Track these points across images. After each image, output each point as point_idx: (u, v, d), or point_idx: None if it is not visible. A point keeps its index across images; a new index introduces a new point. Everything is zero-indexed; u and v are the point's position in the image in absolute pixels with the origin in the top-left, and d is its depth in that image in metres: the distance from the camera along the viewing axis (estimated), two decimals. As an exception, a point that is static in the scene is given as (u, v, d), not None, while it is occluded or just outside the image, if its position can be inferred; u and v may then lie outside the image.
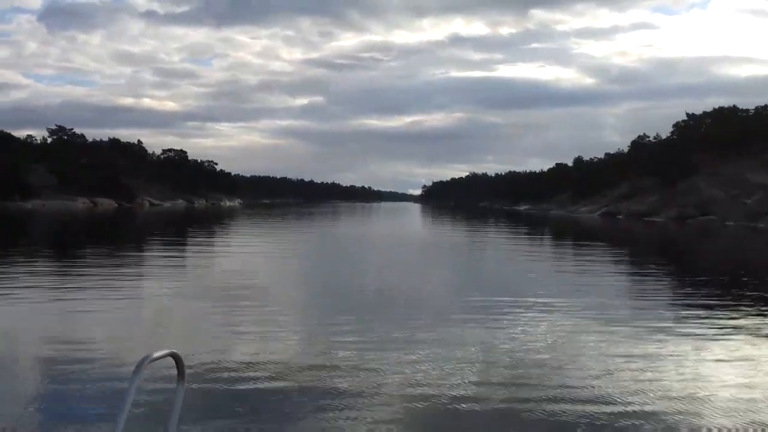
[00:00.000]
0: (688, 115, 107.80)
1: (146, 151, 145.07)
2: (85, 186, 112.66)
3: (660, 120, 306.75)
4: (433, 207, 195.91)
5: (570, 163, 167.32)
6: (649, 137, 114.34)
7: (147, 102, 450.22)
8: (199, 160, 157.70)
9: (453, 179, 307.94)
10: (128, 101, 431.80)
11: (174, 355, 2.75)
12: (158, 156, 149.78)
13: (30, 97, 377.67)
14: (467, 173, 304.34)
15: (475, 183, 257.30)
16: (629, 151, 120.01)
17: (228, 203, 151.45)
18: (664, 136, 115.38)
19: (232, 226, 59.15)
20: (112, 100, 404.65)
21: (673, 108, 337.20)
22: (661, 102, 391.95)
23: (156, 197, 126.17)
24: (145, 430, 5.89)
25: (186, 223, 64.15)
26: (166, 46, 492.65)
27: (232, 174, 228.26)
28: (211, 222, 65.49)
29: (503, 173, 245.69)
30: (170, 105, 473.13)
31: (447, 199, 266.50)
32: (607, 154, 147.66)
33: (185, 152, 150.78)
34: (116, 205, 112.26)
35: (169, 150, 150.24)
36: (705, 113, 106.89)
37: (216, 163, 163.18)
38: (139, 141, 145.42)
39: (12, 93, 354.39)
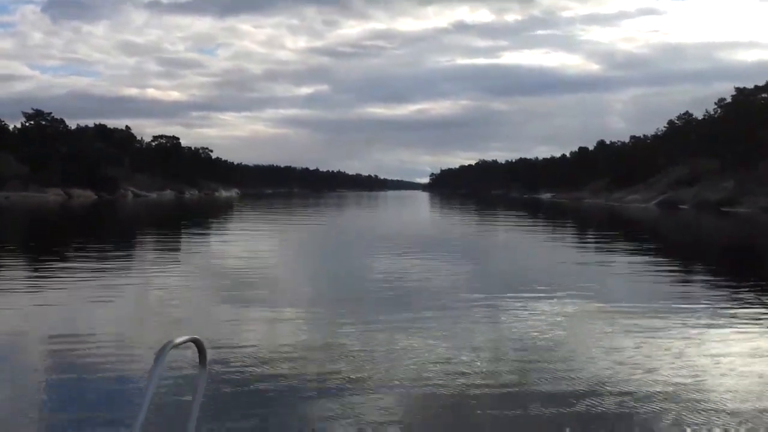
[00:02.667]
0: (737, 89, 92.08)
1: (135, 137, 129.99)
2: (61, 176, 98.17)
3: (666, 105, 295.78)
4: (442, 196, 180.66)
5: (572, 150, 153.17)
6: (693, 115, 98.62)
7: (151, 92, 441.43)
8: (193, 147, 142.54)
9: (462, 167, 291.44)
10: (133, 91, 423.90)
11: (196, 341, 2.67)
12: (148, 143, 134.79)
13: (35, 89, 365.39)
14: (474, 161, 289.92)
15: (485, 170, 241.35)
16: (667, 132, 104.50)
17: (224, 193, 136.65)
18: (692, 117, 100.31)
19: (209, 222, 44.57)
20: (116, 90, 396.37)
21: (679, 94, 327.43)
22: (668, 87, 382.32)
23: (142, 187, 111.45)
24: (167, 416, 5.74)
25: (159, 217, 50.14)
26: (171, 36, 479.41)
27: (234, 163, 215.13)
28: (189, 216, 52.04)
29: (513, 160, 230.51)
30: (175, 95, 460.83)
31: (455, 188, 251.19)
32: (633, 137, 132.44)
33: (178, 138, 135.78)
34: (95, 196, 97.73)
35: (161, 136, 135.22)
36: (757, 87, 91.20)
37: (211, 150, 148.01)
38: (127, 127, 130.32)
39: (17, 84, 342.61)
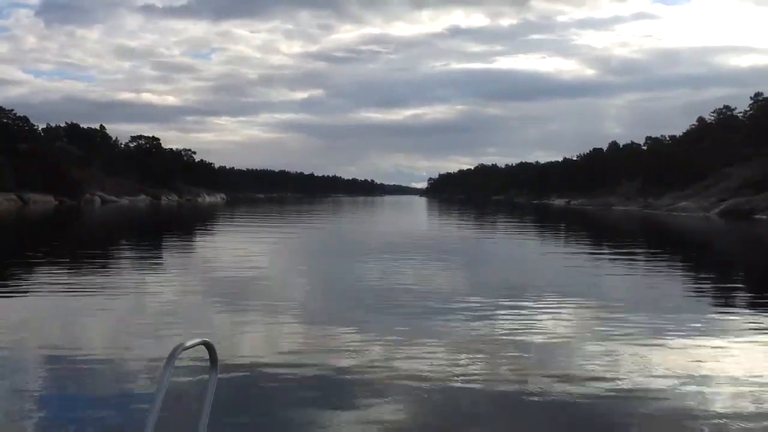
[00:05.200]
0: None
1: (109, 138, 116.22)
2: (19, 179, 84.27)
3: (662, 110, 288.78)
4: (442, 201, 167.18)
5: (573, 156, 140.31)
6: (733, 110, 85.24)
7: (146, 96, 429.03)
8: (174, 149, 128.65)
9: (461, 171, 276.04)
10: (128, 96, 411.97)
11: (207, 344, 2.64)
12: (126, 144, 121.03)
13: (29, 93, 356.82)
14: (470, 166, 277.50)
15: (484, 175, 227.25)
16: (698, 130, 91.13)
17: (208, 199, 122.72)
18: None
19: (162, 240, 31.22)
20: (111, 95, 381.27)
21: (674, 99, 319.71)
22: (663, 93, 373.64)
23: (114, 192, 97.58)
24: (177, 418, 5.54)
25: (111, 228, 36.67)
26: (165, 40, 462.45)
27: (227, 167, 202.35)
28: (150, 225, 38.21)
29: (513, 164, 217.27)
30: (170, 99, 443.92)
31: (453, 193, 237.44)
32: (648, 138, 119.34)
33: (158, 140, 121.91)
34: (56, 202, 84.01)
35: (139, 137, 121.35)
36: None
37: (194, 153, 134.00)
38: (102, 126, 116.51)
39: (10, 89, 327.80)
